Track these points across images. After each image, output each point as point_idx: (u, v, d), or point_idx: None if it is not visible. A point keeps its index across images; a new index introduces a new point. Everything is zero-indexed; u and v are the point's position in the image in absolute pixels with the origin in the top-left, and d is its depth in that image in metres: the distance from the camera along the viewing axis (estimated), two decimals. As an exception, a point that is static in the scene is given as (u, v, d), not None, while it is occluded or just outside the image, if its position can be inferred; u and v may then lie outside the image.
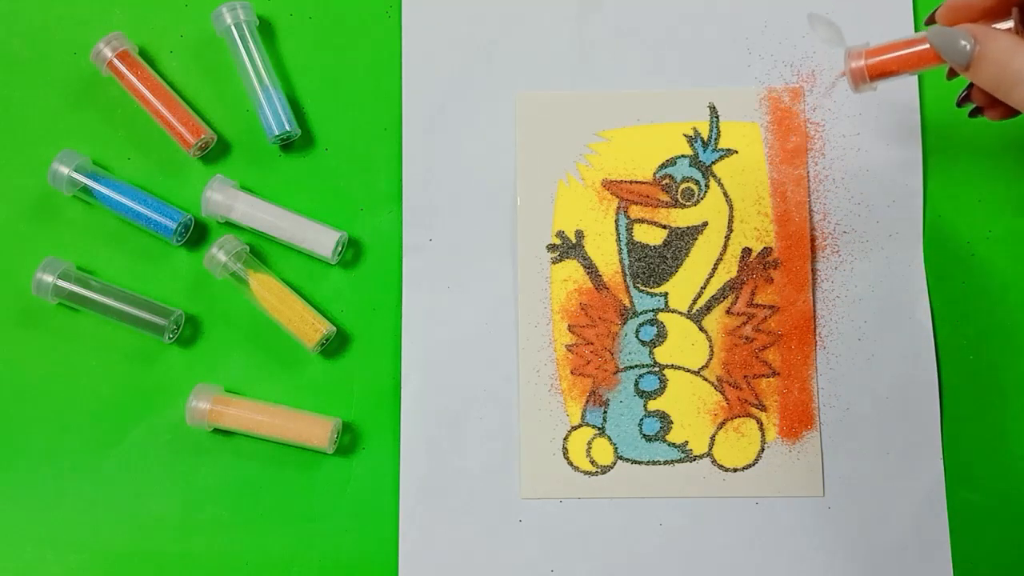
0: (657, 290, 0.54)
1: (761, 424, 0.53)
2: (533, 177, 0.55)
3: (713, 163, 0.55)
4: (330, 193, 0.56)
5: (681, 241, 0.55)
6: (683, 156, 0.55)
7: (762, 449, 0.53)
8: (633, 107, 0.56)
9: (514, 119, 0.56)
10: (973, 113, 0.46)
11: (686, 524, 0.53)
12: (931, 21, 0.43)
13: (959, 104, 0.46)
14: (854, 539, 0.53)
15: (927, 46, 0.40)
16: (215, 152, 0.56)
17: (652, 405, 0.54)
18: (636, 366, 0.54)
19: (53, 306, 0.54)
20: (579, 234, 0.55)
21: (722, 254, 0.55)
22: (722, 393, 0.54)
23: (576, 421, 0.54)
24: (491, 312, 0.54)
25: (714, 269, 0.55)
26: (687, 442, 0.53)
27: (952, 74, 0.45)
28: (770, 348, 0.54)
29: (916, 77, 0.56)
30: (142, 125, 0.56)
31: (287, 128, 0.54)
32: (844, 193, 0.55)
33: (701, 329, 0.54)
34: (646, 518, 0.53)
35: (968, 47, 0.39)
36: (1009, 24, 0.40)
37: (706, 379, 0.54)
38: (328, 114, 0.56)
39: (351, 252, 0.55)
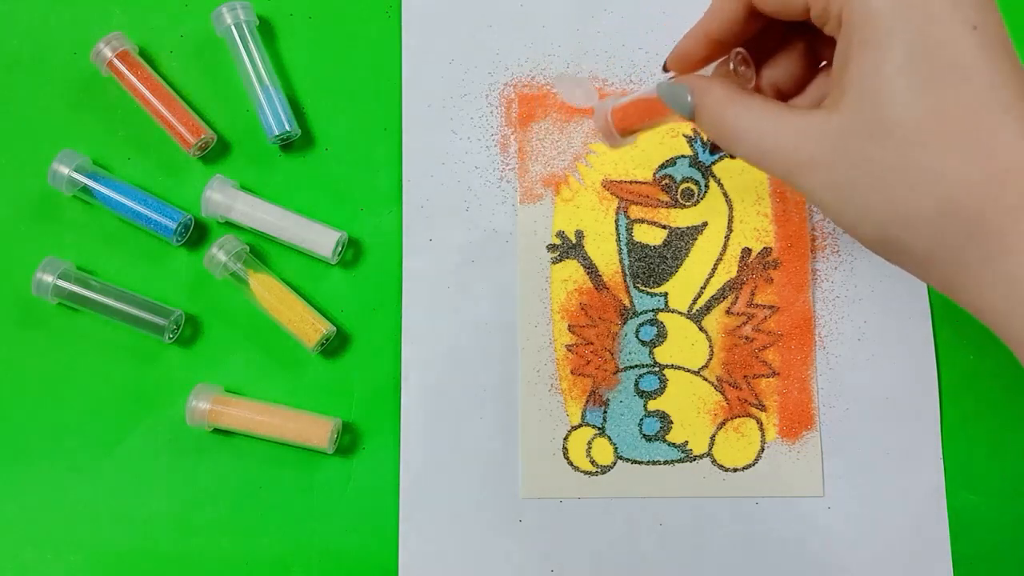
0: (657, 290, 0.54)
1: (761, 424, 0.53)
2: (533, 177, 0.55)
3: (713, 163, 0.55)
4: (330, 193, 0.56)
5: (681, 241, 0.55)
6: (683, 156, 0.55)
7: (762, 449, 0.53)
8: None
9: (515, 119, 0.56)
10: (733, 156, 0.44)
11: (686, 524, 0.53)
12: (666, 68, 0.41)
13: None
14: (854, 539, 0.53)
15: None
16: (215, 152, 0.56)
17: (652, 405, 0.54)
18: (636, 366, 0.54)
19: (53, 306, 0.54)
20: (579, 234, 0.55)
21: (722, 254, 0.55)
22: (722, 393, 0.54)
23: (576, 421, 0.54)
24: (491, 312, 0.54)
25: (714, 269, 0.55)
26: (687, 442, 0.53)
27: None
28: (770, 348, 0.54)
29: None
30: (142, 125, 0.56)
31: (287, 128, 0.54)
32: (844, 193, 0.55)
33: (701, 329, 0.54)
34: (646, 518, 0.53)
35: (690, 100, 0.37)
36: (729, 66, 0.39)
37: (706, 379, 0.54)
38: (328, 114, 0.56)
39: (351, 252, 0.55)
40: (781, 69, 0.39)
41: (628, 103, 0.41)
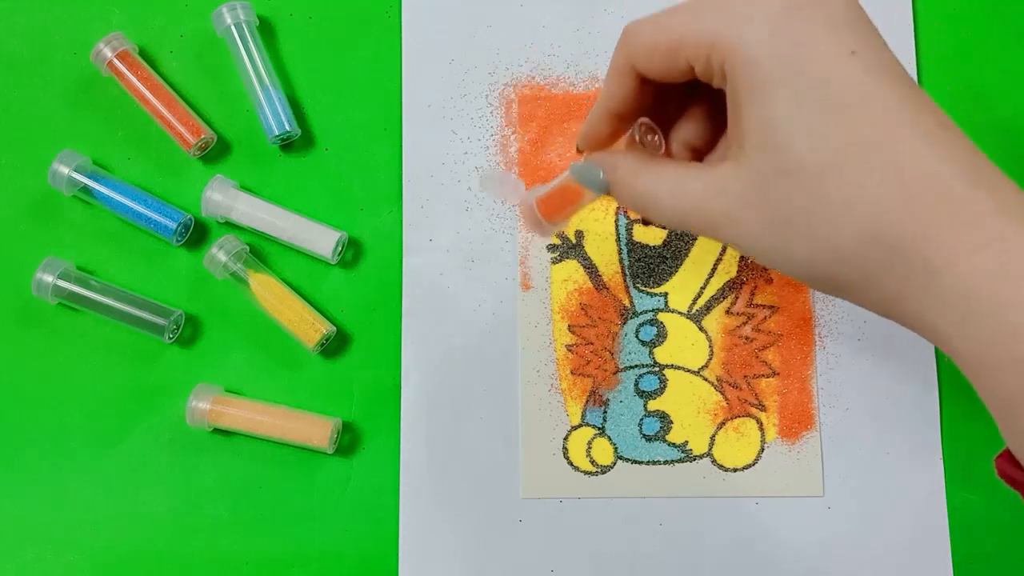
0: (657, 290, 0.54)
1: (761, 424, 0.53)
2: (534, 178, 0.55)
3: (713, 163, 0.55)
4: (330, 193, 0.56)
5: (681, 241, 0.55)
6: (683, 156, 0.55)
7: (762, 449, 0.53)
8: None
9: (515, 119, 0.56)
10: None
11: (686, 524, 0.53)
12: (579, 150, 0.41)
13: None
14: (854, 539, 0.53)
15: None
16: (215, 152, 0.56)
17: (652, 405, 0.54)
18: (636, 366, 0.54)
19: (53, 306, 0.54)
20: (579, 234, 0.55)
21: (721, 254, 0.55)
22: (722, 393, 0.54)
23: (576, 421, 0.54)
24: (491, 312, 0.54)
25: (714, 269, 0.55)
26: (687, 442, 0.53)
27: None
28: (770, 348, 0.54)
29: None
30: (142, 125, 0.56)
31: (287, 128, 0.54)
32: (844, 193, 0.55)
33: (701, 329, 0.54)
34: (646, 518, 0.53)
35: (602, 177, 0.37)
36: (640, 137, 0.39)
37: (706, 379, 0.54)
38: (328, 114, 0.56)
39: (351, 252, 0.55)
40: (690, 128, 0.38)
41: (550, 192, 0.41)
